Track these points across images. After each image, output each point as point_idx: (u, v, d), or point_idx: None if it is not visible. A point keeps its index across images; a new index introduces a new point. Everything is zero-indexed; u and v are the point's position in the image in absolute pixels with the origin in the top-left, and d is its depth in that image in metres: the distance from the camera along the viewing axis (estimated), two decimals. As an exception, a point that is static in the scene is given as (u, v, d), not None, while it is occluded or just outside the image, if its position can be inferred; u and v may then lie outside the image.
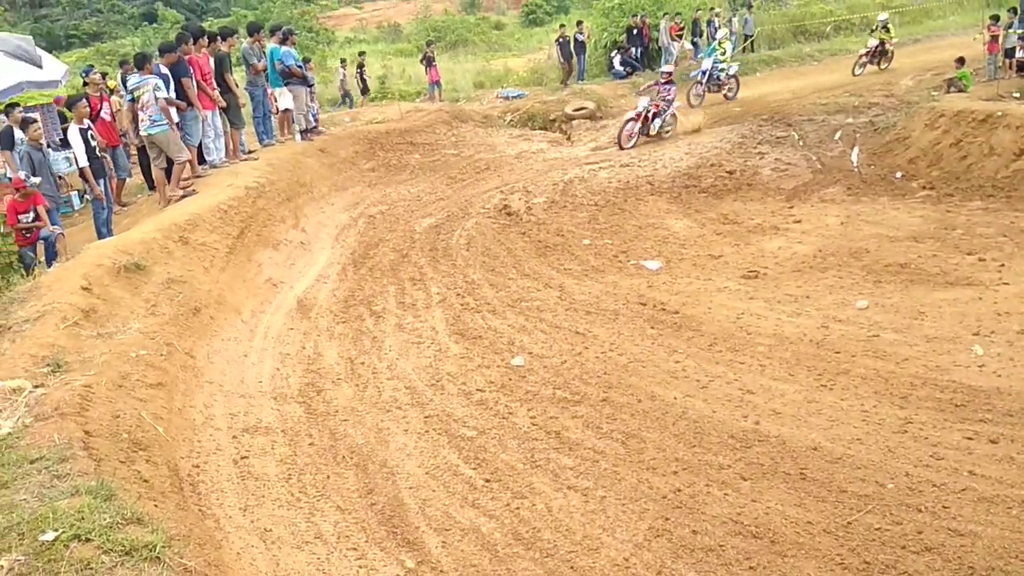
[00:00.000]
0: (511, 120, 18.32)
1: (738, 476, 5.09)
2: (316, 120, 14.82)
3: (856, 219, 10.05)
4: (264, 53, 12.86)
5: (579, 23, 22.92)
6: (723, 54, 18.05)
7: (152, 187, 10.94)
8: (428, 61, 21.77)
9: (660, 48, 22.53)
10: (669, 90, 15.34)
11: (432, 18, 39.19)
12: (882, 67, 20.00)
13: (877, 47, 19.90)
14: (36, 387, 5.29)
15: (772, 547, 4.40)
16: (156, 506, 4.08)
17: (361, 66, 22.08)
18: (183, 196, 9.96)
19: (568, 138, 17.73)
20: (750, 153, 13.35)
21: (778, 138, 14.01)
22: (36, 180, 8.92)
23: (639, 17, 22.54)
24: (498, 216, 11.35)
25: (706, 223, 10.65)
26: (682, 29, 22.64)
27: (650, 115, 15.12)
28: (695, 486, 5.02)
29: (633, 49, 22.50)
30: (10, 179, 8.77)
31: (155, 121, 9.59)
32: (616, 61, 22.35)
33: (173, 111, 9.88)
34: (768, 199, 11.42)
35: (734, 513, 4.72)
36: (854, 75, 19.25)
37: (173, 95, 9.97)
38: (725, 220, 10.68)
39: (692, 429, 5.66)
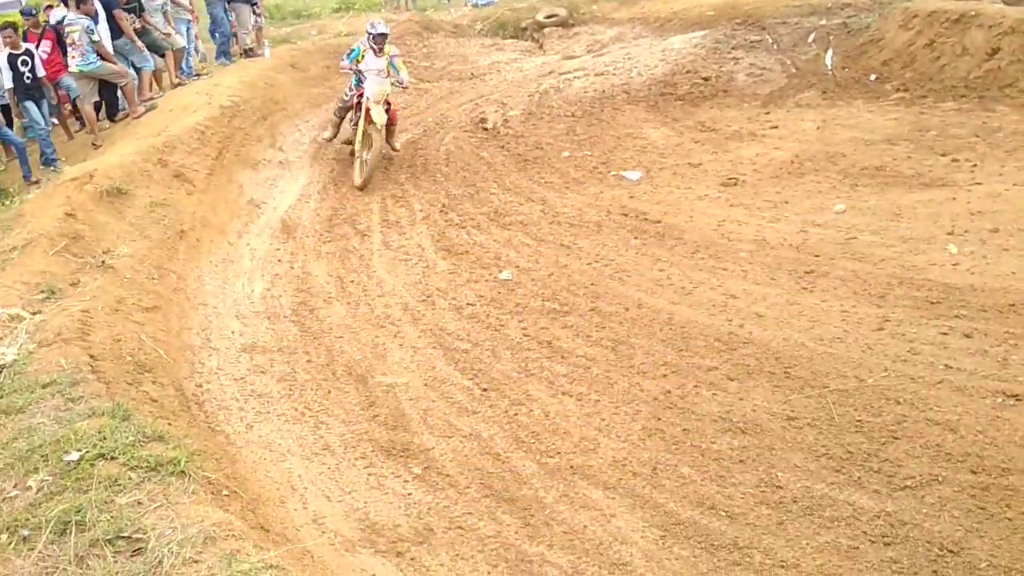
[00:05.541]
0: (481, 29, 17.91)
1: (725, 377, 5.32)
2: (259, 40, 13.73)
3: (832, 123, 10.12)
4: None
5: None
6: None
7: (112, 116, 10.40)
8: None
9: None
10: None
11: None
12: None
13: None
14: (34, 314, 5.35)
15: (760, 441, 4.67)
16: (169, 424, 4.21)
17: None
18: (146, 111, 9.87)
19: (540, 47, 17.38)
20: (725, 58, 13.22)
21: (752, 42, 13.84)
22: None
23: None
24: (475, 130, 11.27)
25: (684, 131, 10.67)
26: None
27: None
28: (684, 387, 5.25)
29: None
30: None
31: (89, 60, 9.39)
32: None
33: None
34: (744, 105, 11.43)
35: (723, 411, 4.96)
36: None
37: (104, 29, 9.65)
38: (703, 128, 10.70)
39: (679, 334, 5.86)
